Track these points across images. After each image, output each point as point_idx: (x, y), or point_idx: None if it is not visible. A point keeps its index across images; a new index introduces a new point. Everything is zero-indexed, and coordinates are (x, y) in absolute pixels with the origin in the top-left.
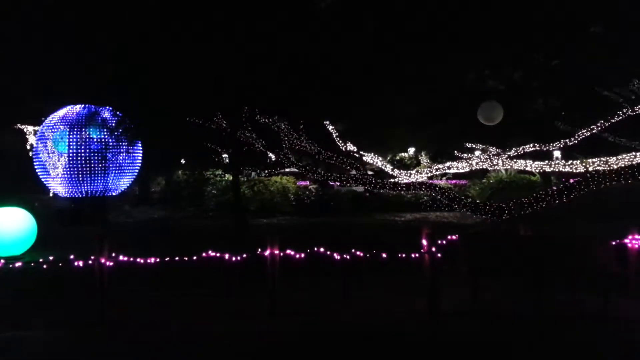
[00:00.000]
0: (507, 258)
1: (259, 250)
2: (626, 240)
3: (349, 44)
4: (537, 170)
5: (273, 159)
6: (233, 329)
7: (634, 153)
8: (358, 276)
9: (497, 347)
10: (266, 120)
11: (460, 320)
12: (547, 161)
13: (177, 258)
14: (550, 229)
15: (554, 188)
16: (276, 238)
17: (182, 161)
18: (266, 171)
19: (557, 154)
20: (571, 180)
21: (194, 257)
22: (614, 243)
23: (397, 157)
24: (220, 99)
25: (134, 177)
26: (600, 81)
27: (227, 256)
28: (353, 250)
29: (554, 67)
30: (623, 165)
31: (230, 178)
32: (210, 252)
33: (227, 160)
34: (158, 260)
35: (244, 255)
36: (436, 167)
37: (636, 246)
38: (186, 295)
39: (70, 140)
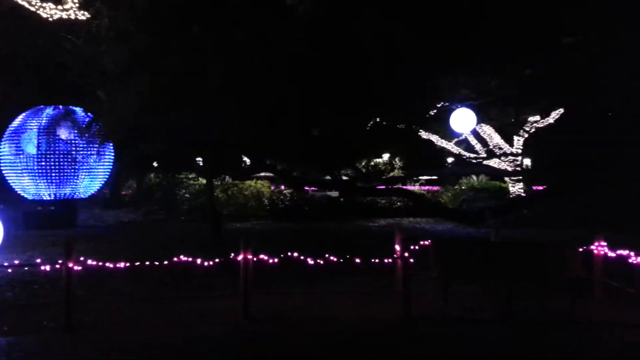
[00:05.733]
0: (477, 263)
1: (232, 254)
2: (592, 247)
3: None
4: (507, 178)
5: (248, 163)
6: (206, 333)
7: None
8: (331, 280)
9: (466, 352)
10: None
11: (432, 325)
12: (518, 167)
13: (147, 262)
14: (520, 234)
15: (524, 195)
16: (250, 242)
17: (155, 164)
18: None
19: (527, 161)
20: (540, 188)
21: (165, 262)
22: (581, 249)
23: (372, 163)
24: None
25: (105, 179)
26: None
27: (199, 260)
28: (327, 255)
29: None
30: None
31: (204, 182)
32: (182, 256)
33: (202, 164)
34: (128, 264)
35: (217, 260)
36: (409, 172)
37: (602, 252)
38: (158, 300)
39: (39, 141)
